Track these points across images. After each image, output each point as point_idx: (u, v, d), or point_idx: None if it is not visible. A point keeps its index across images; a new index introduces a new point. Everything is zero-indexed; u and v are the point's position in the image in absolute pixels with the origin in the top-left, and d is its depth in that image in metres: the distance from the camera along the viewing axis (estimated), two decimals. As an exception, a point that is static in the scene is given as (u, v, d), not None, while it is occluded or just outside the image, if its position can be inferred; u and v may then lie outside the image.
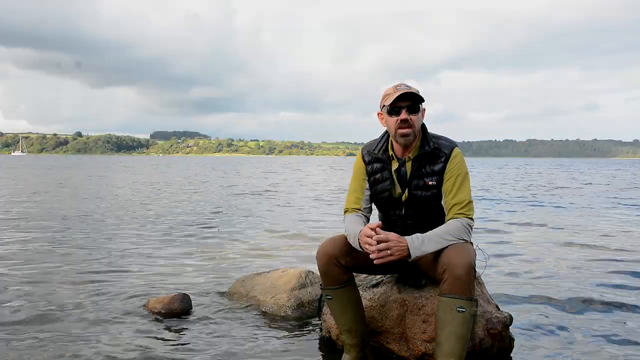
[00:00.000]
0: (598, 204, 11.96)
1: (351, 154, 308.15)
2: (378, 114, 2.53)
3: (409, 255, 2.24)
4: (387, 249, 2.22)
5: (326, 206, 11.17)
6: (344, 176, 26.88)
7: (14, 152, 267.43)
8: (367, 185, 2.58)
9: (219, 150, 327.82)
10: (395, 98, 2.37)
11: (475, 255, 2.34)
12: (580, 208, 10.88)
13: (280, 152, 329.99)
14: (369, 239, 2.26)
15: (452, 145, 2.47)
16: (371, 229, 2.28)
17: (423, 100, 2.42)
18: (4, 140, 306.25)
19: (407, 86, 2.41)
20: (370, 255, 2.25)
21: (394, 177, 2.49)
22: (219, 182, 20.86)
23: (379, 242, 2.23)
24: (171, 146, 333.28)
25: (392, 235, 2.25)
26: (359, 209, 2.56)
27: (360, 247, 2.33)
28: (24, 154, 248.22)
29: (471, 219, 2.39)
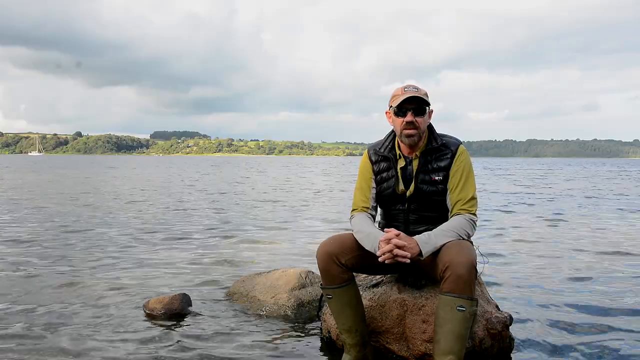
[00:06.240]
0: (602, 205, 11.94)
1: (351, 154, 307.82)
2: (386, 113, 2.59)
3: (420, 253, 2.27)
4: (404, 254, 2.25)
5: (326, 206, 11.17)
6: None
7: (29, 152, 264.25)
8: (374, 184, 2.62)
9: (219, 150, 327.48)
10: (403, 100, 2.43)
11: (476, 255, 2.34)
12: (582, 209, 10.87)
13: (280, 152, 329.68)
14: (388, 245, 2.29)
15: (458, 142, 2.54)
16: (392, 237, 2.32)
17: (429, 105, 2.47)
18: (4, 140, 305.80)
19: (415, 88, 2.47)
20: (380, 258, 2.29)
21: (399, 174, 2.54)
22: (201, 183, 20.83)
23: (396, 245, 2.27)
24: (171, 146, 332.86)
25: (404, 237, 2.31)
26: (367, 208, 2.61)
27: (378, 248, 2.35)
28: (41, 154, 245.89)
29: (474, 214, 2.46)
